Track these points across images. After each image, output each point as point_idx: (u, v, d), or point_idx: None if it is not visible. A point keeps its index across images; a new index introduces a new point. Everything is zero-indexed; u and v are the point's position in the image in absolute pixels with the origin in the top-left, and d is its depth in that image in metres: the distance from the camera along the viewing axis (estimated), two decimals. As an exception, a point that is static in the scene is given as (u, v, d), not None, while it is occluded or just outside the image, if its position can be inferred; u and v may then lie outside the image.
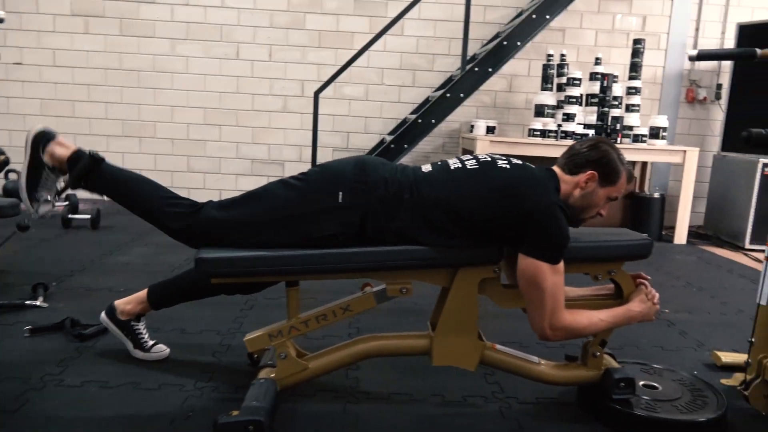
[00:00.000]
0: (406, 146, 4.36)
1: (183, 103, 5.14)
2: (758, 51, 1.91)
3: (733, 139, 4.82)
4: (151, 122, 5.14)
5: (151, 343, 2.12)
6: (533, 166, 1.79)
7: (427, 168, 1.81)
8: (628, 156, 4.77)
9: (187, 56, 5.09)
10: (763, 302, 2.00)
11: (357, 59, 4.34)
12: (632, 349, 2.44)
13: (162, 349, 2.13)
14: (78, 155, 1.79)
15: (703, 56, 2.00)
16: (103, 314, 2.12)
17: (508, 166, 1.74)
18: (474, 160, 1.78)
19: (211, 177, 5.20)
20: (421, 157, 5.22)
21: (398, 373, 2.09)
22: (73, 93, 5.12)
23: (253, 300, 2.78)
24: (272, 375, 1.77)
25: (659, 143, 4.65)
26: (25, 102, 5.10)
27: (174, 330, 2.38)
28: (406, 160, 4.60)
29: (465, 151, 4.99)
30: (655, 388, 1.91)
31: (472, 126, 4.88)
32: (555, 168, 1.82)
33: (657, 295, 1.82)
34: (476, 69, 4.28)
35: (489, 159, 1.77)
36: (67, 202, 4.24)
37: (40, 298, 2.61)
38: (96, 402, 1.81)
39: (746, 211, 4.51)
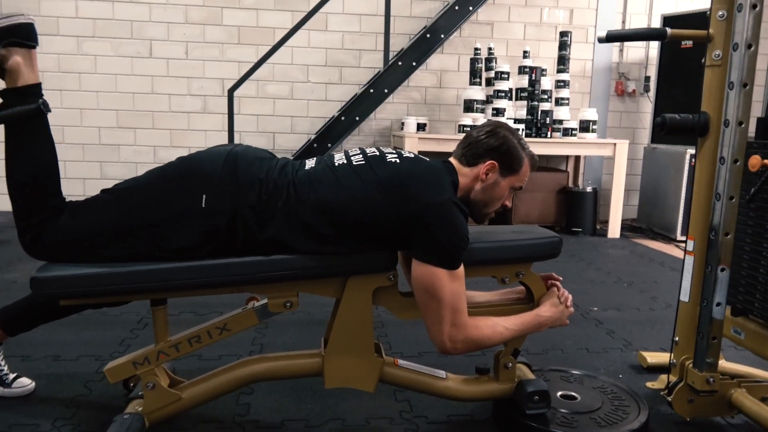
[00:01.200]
0: (330, 145, 4.16)
1: (93, 106, 4.78)
2: (668, 30, 1.78)
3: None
4: (59, 126, 4.74)
5: (12, 376, 1.83)
6: (427, 159, 1.59)
7: (310, 164, 1.59)
8: (559, 150, 4.76)
9: (95, 55, 4.74)
10: (684, 299, 1.88)
11: (273, 55, 4.10)
12: (557, 353, 2.30)
13: (25, 384, 1.84)
14: (36, 91, 1.50)
15: (613, 37, 1.86)
16: None
17: (397, 160, 1.54)
18: (361, 155, 1.57)
19: (126, 184, 4.84)
20: (351, 157, 5.01)
21: (296, 395, 1.87)
22: (-32, 97, 4.69)
23: (148, 317, 2.50)
24: (139, 409, 1.53)
25: (589, 136, 4.58)
26: None
27: (46, 357, 2.09)
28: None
29: (395, 150, 4.82)
30: (573, 398, 1.75)
31: (403, 123, 4.70)
32: (452, 160, 1.63)
33: (570, 297, 1.66)
34: (400, 63, 4.11)
35: (377, 153, 1.57)
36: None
37: None
38: (-75, 453, 1.52)
39: (677, 203, 4.49)
